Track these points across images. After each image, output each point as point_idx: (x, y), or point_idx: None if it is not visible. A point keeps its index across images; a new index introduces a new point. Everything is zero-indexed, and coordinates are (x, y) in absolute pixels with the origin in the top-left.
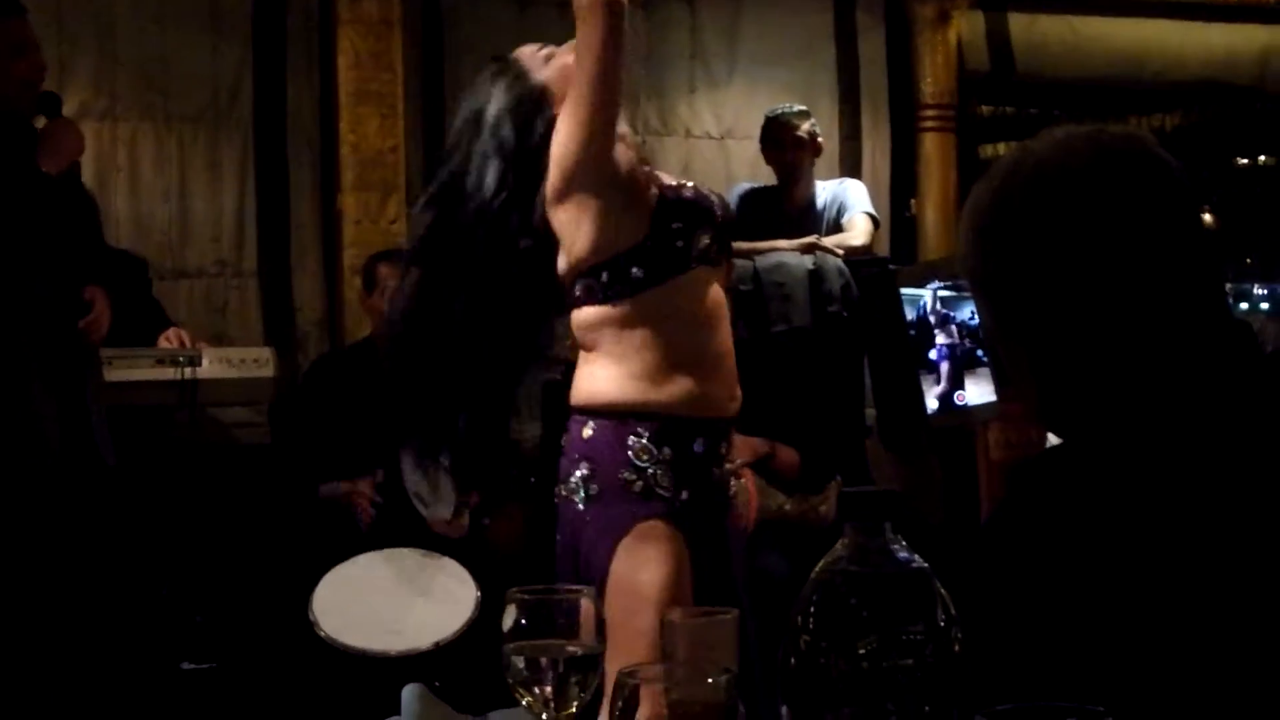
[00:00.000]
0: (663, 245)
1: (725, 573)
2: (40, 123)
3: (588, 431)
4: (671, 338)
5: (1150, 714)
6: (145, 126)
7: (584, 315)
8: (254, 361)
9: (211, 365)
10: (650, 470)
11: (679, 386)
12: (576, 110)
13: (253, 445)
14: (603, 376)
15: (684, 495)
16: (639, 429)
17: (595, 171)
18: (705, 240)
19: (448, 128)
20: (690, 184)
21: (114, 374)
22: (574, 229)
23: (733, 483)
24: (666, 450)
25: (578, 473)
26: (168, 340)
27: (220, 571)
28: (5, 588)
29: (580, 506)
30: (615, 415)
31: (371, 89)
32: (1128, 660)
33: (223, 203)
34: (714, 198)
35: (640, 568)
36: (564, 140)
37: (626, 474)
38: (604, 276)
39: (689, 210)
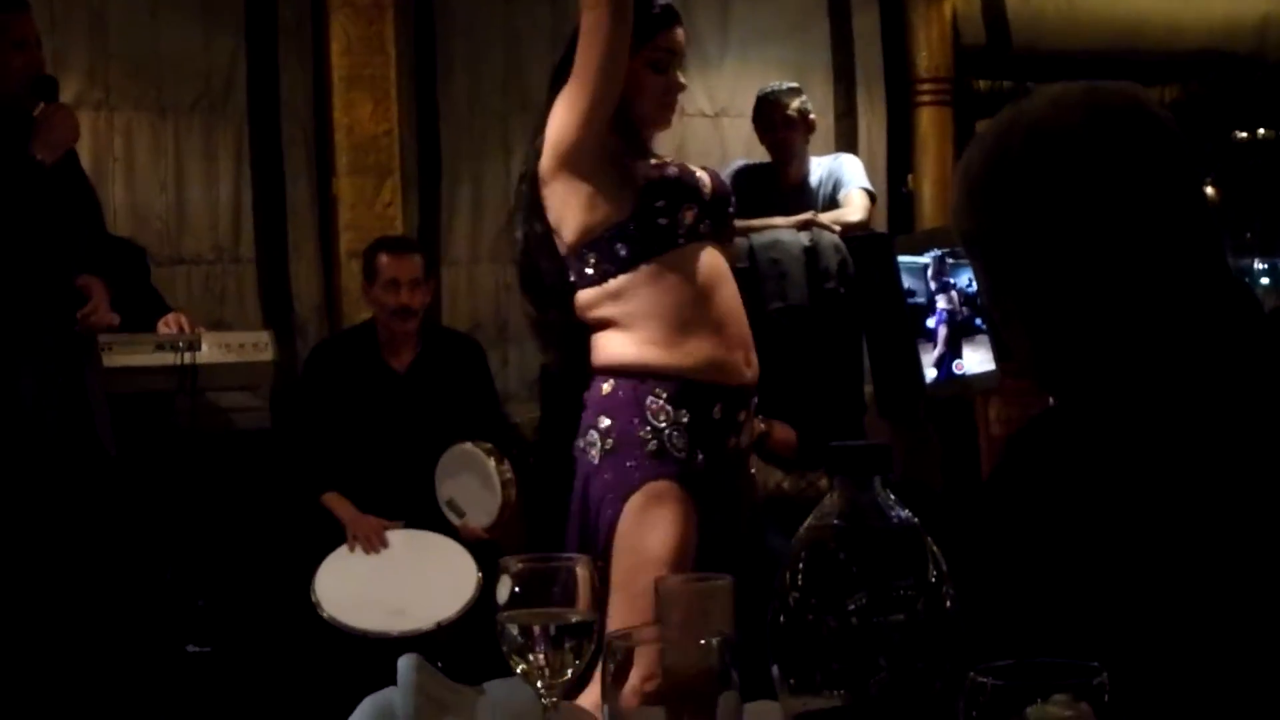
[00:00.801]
0: (647, 224)
1: (733, 542)
2: (38, 110)
3: (607, 387)
4: (673, 306)
5: (1144, 670)
6: (140, 116)
7: (584, 298)
8: (253, 346)
9: (211, 350)
10: (666, 431)
11: (695, 348)
12: (577, 97)
13: (253, 430)
14: (619, 340)
15: (699, 459)
16: (658, 389)
17: (588, 155)
18: (690, 216)
19: (441, 111)
20: (675, 163)
21: (114, 360)
22: (562, 209)
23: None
24: (684, 413)
25: (596, 427)
26: (167, 326)
27: (222, 555)
28: (8, 575)
29: (595, 460)
30: (635, 375)
31: (364, 74)
32: (1122, 618)
33: (219, 190)
34: (702, 175)
35: (648, 529)
36: (560, 124)
37: (642, 432)
38: (592, 259)
39: (672, 188)
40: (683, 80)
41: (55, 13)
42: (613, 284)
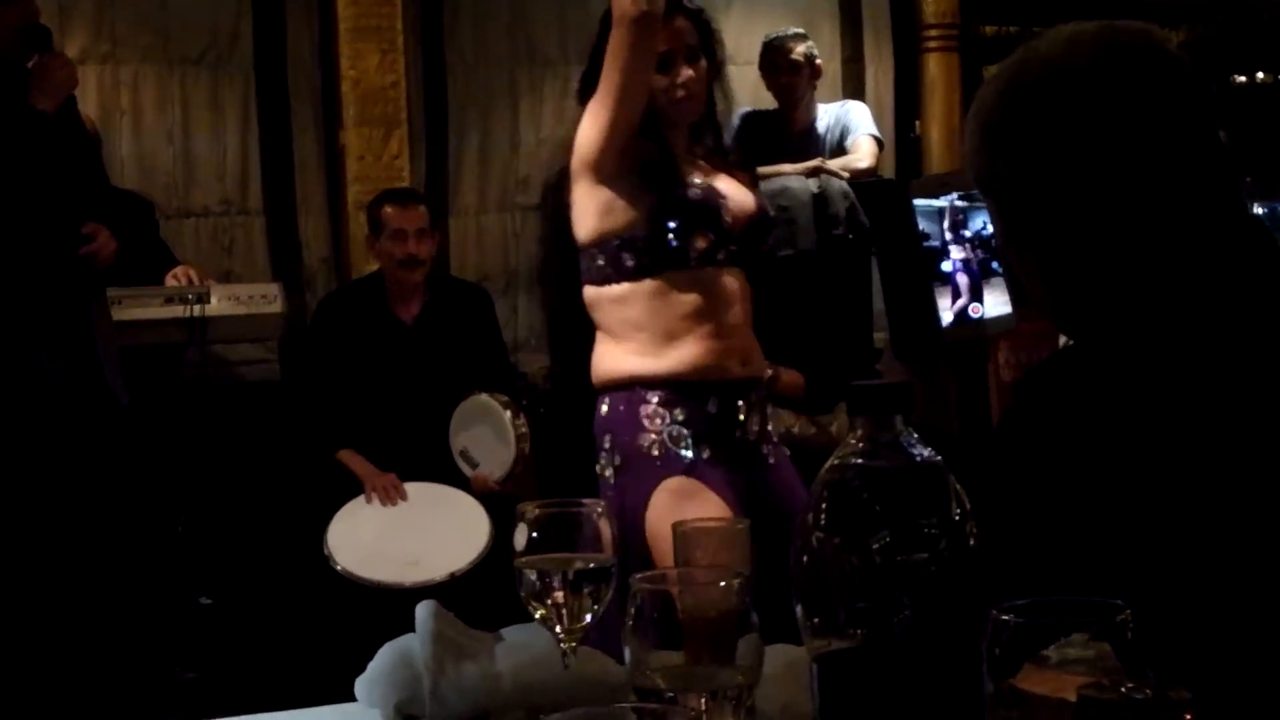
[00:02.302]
0: (657, 242)
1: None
2: (33, 60)
3: (604, 408)
4: (668, 321)
5: (1165, 606)
6: (147, 69)
7: (587, 294)
8: (262, 298)
9: (220, 302)
10: (665, 431)
11: (683, 354)
12: (601, 110)
13: (262, 381)
14: (606, 355)
15: (705, 454)
16: (648, 396)
17: (609, 165)
18: (702, 243)
19: (448, 62)
20: (703, 186)
21: (123, 313)
22: (579, 210)
23: (768, 447)
24: (679, 412)
25: (604, 448)
26: (175, 279)
27: (234, 508)
28: (18, 523)
29: (611, 480)
30: (624, 388)
31: (371, 24)
32: (1140, 554)
33: (226, 142)
34: (733, 200)
35: (673, 515)
36: (585, 131)
37: (643, 440)
38: (600, 260)
39: (688, 210)
40: (691, 72)
41: None
42: (614, 289)
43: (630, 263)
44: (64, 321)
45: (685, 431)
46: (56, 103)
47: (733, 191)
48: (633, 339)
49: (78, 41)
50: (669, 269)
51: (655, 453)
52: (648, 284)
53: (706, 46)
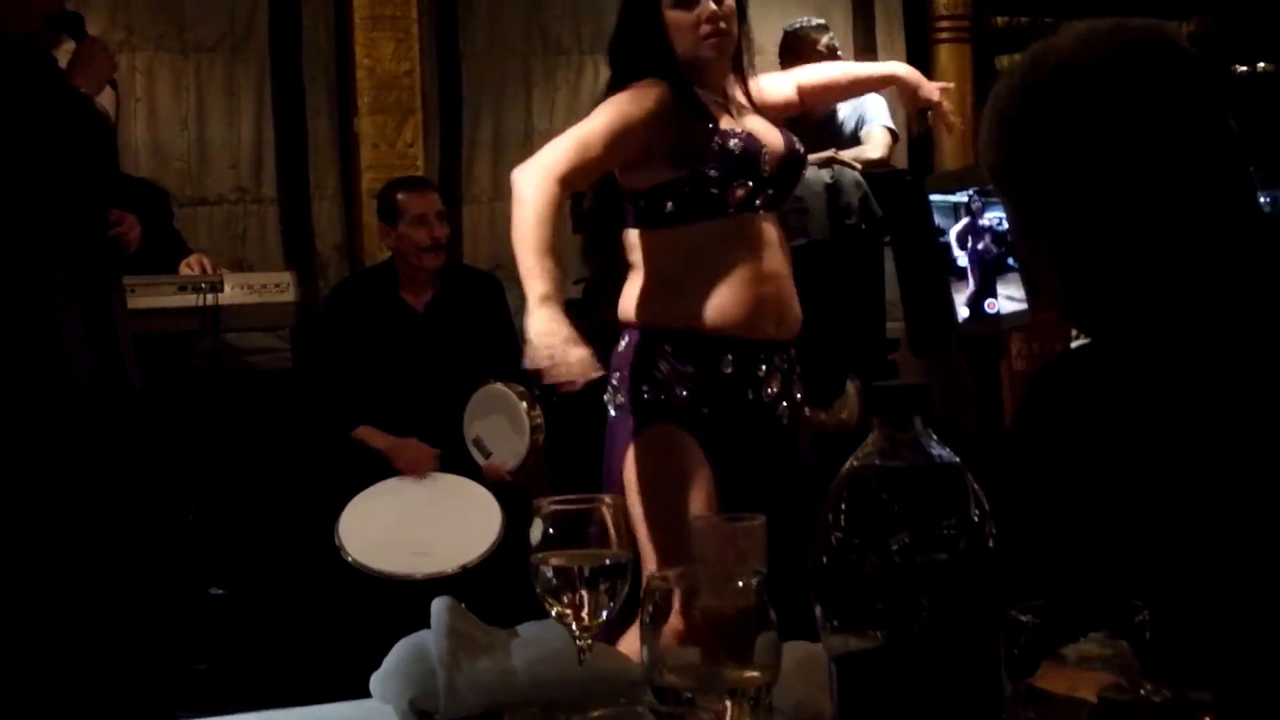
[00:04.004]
0: (698, 189)
1: (766, 495)
2: (68, 44)
3: (621, 345)
4: (701, 267)
5: (1183, 606)
6: (162, 56)
7: (627, 236)
8: (275, 286)
9: (233, 291)
10: (669, 383)
11: (709, 302)
12: None
13: (275, 370)
14: (632, 294)
15: (703, 410)
16: (665, 345)
17: (643, 132)
18: (741, 192)
19: (462, 50)
20: (744, 134)
21: (137, 301)
22: (624, 159)
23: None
24: (689, 367)
25: (611, 381)
26: (189, 267)
27: (245, 497)
28: (36, 509)
29: (612, 413)
30: (642, 330)
31: (385, 13)
32: (1158, 553)
33: (240, 130)
34: (771, 145)
35: (648, 462)
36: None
37: (645, 386)
38: (641, 203)
39: (729, 161)
40: (714, 6)
41: None
42: (653, 234)
43: (670, 207)
44: (89, 303)
45: (688, 384)
46: (98, 89)
47: (765, 133)
48: (662, 281)
49: (93, 28)
50: (708, 216)
51: (647, 397)
52: (684, 230)
53: None
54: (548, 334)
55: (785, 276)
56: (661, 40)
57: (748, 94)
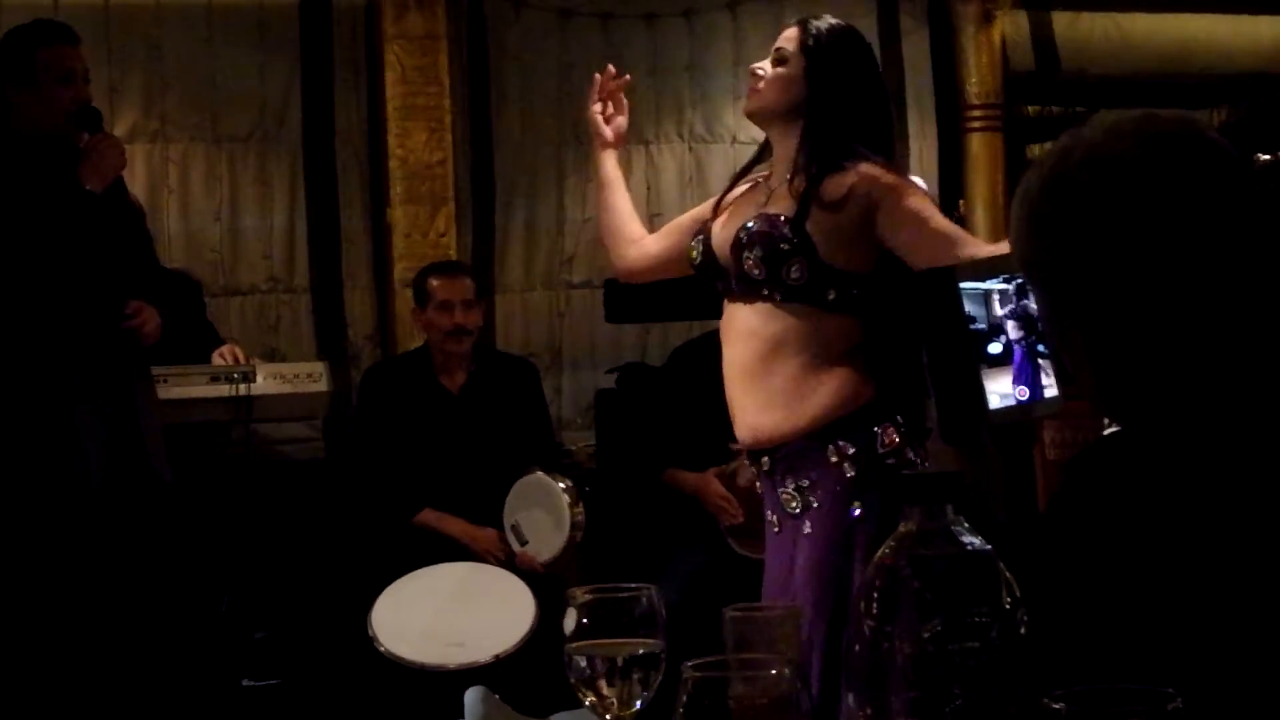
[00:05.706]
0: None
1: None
2: (83, 140)
3: None
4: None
5: (1215, 695)
6: (195, 147)
7: None
8: (308, 376)
9: (266, 381)
10: None
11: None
12: None
13: (308, 460)
14: None
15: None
16: None
17: None
18: (720, 284)
19: (495, 139)
20: (705, 236)
21: (169, 391)
22: None
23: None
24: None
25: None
26: (221, 357)
27: (279, 587)
28: (63, 603)
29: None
30: None
31: (419, 103)
32: (1192, 643)
33: (273, 220)
34: (718, 250)
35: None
36: None
37: None
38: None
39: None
40: (761, 62)
41: (112, 44)
42: None
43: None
44: (107, 399)
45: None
46: (106, 183)
47: (721, 231)
48: None
49: (128, 120)
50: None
51: None
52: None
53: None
54: None
55: (742, 375)
56: None
57: (808, 183)
